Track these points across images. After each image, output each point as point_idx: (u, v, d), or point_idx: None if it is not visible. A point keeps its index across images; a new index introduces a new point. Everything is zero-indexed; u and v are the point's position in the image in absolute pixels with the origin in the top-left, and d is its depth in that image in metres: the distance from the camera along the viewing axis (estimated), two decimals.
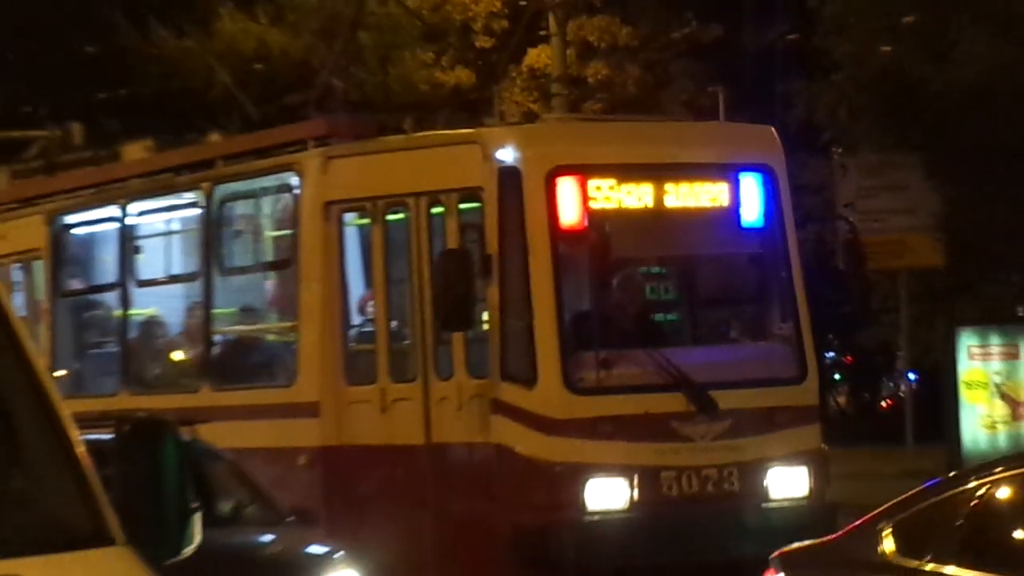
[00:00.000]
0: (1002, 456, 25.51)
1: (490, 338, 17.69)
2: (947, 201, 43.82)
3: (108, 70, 45.16)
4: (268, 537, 14.78)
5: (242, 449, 19.24)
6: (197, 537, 6.26)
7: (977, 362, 42.72)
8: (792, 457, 17.70)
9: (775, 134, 19.42)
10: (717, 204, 18.48)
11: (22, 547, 5.46)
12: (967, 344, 42.71)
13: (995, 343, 43.21)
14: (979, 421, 42.89)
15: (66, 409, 6.40)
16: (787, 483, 17.63)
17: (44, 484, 6.20)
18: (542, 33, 41.93)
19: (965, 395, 42.72)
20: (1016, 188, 40.49)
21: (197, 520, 6.49)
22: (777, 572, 12.66)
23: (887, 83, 43.79)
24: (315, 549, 14.29)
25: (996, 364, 42.81)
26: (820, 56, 45.68)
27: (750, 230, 18.43)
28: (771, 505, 17.60)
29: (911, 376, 48.49)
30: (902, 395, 47.86)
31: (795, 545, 13.49)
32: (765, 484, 17.52)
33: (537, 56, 42.46)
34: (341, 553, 13.60)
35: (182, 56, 45.57)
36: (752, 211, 18.22)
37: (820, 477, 18.04)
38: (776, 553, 12.93)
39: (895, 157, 43.82)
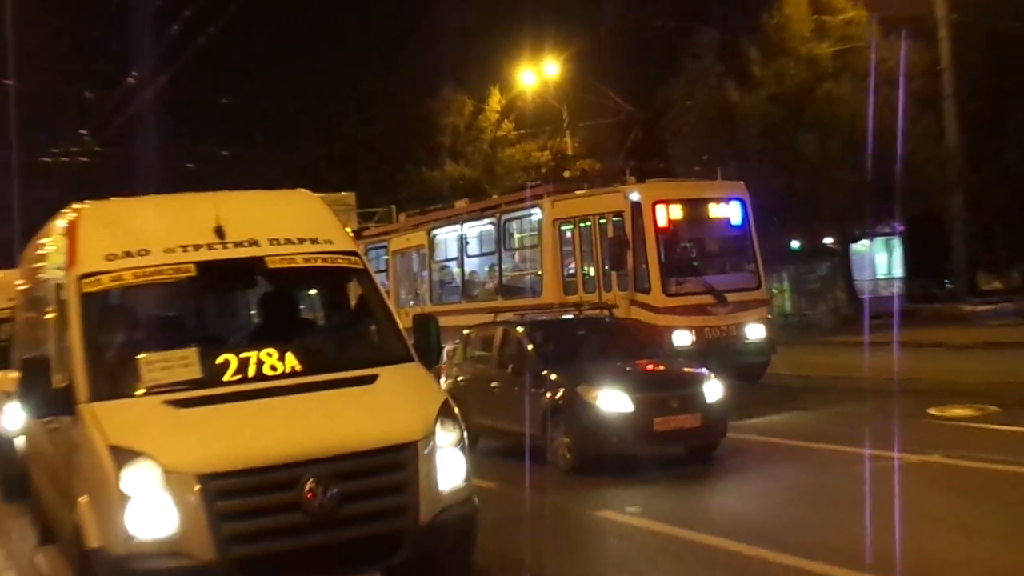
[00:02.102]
0: None
1: (629, 273, 16.84)
2: None
3: (405, 184, 42.01)
4: (670, 362, 13.36)
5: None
6: (443, 359, 8.07)
7: None
8: (757, 320, 17.40)
9: (743, 184, 18.75)
10: (722, 215, 18.13)
11: (378, 363, 6.93)
12: None
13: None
14: None
15: (394, 309, 7.83)
16: (755, 331, 17.32)
17: (385, 340, 7.43)
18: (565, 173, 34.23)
19: None
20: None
21: (444, 352, 8.40)
22: None
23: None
24: (696, 368, 12.66)
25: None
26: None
27: (736, 225, 18.08)
28: (749, 341, 17.30)
29: None
30: None
31: None
32: (747, 332, 17.21)
33: (565, 174, 32.79)
34: (707, 371, 12.30)
35: (432, 179, 42.44)
36: (736, 217, 17.98)
37: (768, 328, 17.73)
38: None
39: None
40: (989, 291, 43.50)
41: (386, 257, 24.95)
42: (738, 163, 34.97)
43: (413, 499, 6.20)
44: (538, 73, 40.41)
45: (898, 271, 42.08)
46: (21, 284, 10.18)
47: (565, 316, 14.75)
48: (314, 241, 7.39)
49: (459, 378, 14.22)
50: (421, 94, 44.96)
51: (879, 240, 40.83)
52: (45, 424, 7.45)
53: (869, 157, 25.21)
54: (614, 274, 17.27)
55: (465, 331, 14.94)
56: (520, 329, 13.59)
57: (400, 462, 6.24)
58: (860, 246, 39.97)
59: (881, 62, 33.07)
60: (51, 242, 7.98)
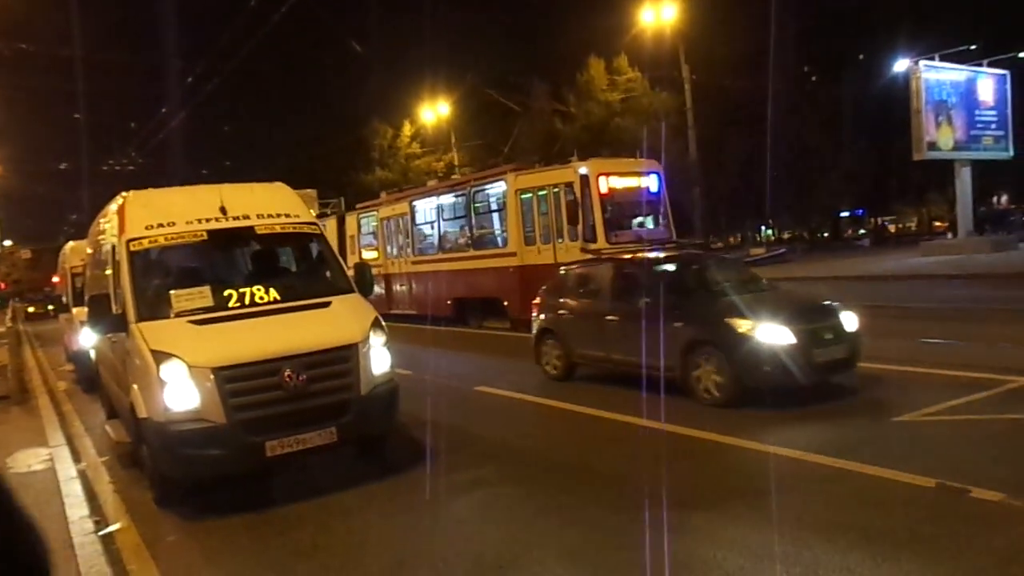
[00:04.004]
0: None
1: (580, 227, 14.38)
2: None
3: (348, 185, 39.13)
4: (797, 294, 9.85)
5: (492, 268, 16.65)
6: (376, 291, 7.96)
7: None
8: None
9: (657, 162, 16.14)
10: (645, 184, 15.41)
11: (331, 294, 6.72)
12: None
13: None
14: None
15: (341, 261, 7.40)
16: None
17: (335, 279, 7.05)
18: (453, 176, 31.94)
19: None
20: None
21: (375, 288, 7.57)
22: None
23: None
24: (821, 298, 8.79)
25: None
26: None
27: (654, 192, 15.47)
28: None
29: None
30: None
31: None
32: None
33: (453, 176, 39.10)
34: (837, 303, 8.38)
35: (367, 181, 40.50)
36: (654, 186, 15.46)
37: None
38: None
39: None
40: (715, 247, 45.65)
41: (374, 223, 22.10)
42: None
43: (355, 380, 6.17)
44: (434, 111, 40.45)
45: None
46: (88, 249, 9.71)
47: (664, 254, 10.39)
48: (287, 216, 7.19)
49: (560, 312, 10.20)
50: (358, 124, 44.53)
51: None
52: (108, 339, 7.23)
53: None
54: (566, 228, 14.92)
55: (562, 270, 11.12)
56: (636, 266, 9.73)
57: (347, 356, 6.18)
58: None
59: (649, 105, 33.94)
60: (107, 219, 7.61)
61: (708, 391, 7.95)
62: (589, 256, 12.19)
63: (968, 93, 27.53)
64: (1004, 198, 51.08)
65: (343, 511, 5.77)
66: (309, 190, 34.05)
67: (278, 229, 7.10)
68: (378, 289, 20.66)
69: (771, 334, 7.65)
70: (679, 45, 30.28)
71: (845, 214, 56.73)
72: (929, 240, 32.92)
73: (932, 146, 26.35)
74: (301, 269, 7.62)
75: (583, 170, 14.89)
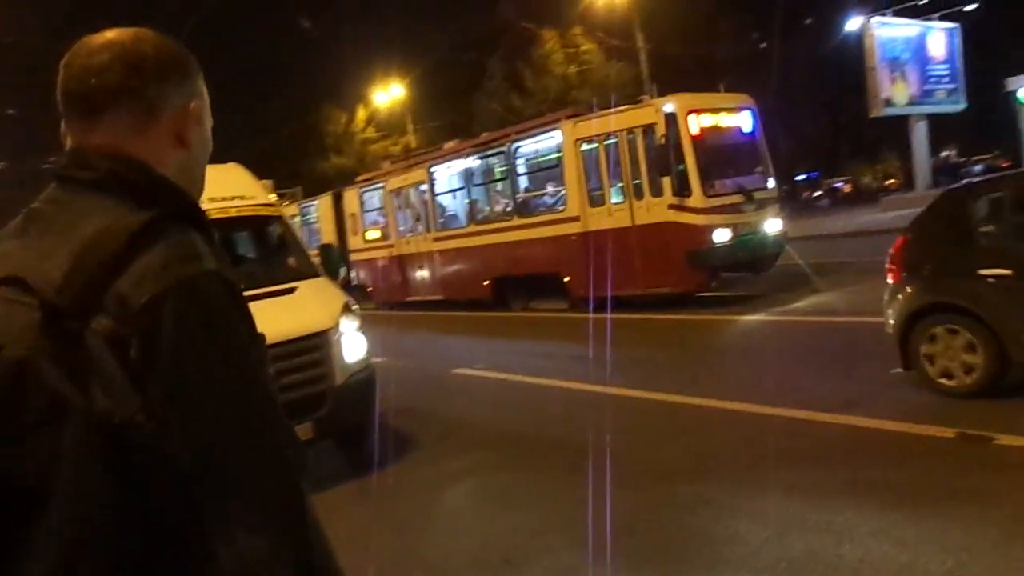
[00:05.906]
0: None
1: (668, 179, 12.20)
2: None
3: (304, 174, 37.64)
4: None
5: (545, 238, 14.27)
6: (342, 274, 7.03)
7: None
8: (774, 216, 13.14)
9: (750, 97, 13.81)
10: (738, 123, 13.14)
11: (295, 279, 6.37)
12: None
13: None
14: None
15: (304, 247, 7.16)
16: (774, 225, 12.82)
17: (299, 263, 6.80)
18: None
19: None
20: None
21: (343, 271, 7.33)
22: None
23: None
24: None
25: None
26: None
27: (749, 132, 13.21)
28: (770, 234, 12.61)
29: None
30: None
31: None
32: (767, 226, 12.84)
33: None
34: None
35: (322, 168, 39.48)
36: (749, 124, 13.21)
37: (783, 222, 13.49)
38: None
39: None
40: None
41: (380, 198, 19.07)
42: None
43: (330, 369, 5.77)
44: (388, 93, 39.61)
45: None
46: None
47: None
48: (242, 198, 6.73)
49: (977, 273, 5.57)
50: (310, 111, 43.31)
51: None
52: None
53: None
54: (646, 181, 12.78)
55: (948, 199, 6.37)
56: None
57: (318, 345, 5.77)
58: None
59: (605, 76, 33.60)
60: None
61: None
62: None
63: (920, 48, 27.63)
64: (953, 151, 51.86)
65: (331, 509, 5.29)
66: (265, 181, 33.19)
67: (233, 213, 6.60)
68: (394, 277, 18.84)
69: None
70: (633, 13, 29.94)
71: (801, 177, 57.23)
72: (888, 196, 33.29)
73: (888, 103, 26.43)
74: (261, 254, 7.22)
75: (668, 107, 12.59)
